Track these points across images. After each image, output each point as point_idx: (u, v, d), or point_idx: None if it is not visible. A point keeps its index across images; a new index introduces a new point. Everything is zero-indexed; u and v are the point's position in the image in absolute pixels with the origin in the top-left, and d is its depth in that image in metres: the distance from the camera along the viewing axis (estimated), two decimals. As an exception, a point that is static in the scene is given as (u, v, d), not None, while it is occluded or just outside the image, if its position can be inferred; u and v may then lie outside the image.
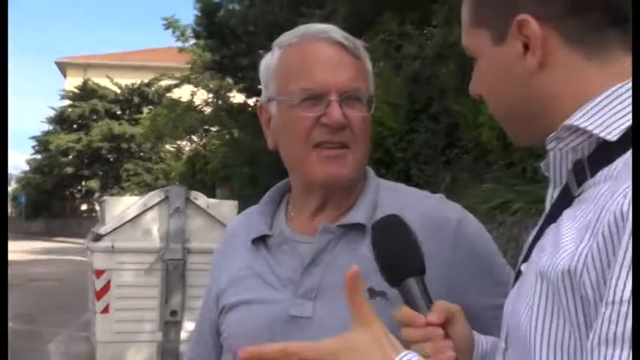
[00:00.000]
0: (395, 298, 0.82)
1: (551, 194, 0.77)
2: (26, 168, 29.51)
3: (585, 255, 0.60)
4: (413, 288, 0.79)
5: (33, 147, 26.60)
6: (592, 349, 0.58)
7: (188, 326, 5.94)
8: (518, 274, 0.75)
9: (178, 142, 14.30)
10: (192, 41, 11.83)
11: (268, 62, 1.05)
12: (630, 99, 0.66)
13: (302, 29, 1.05)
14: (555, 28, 0.69)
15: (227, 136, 12.74)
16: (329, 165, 0.97)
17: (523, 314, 0.67)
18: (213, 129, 13.10)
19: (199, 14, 10.60)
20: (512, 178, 5.11)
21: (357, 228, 0.99)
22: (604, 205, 0.60)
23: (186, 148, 14.02)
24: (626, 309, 0.55)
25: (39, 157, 26.11)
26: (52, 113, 25.35)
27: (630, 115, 0.65)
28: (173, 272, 5.97)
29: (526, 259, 0.74)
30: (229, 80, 11.97)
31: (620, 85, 0.67)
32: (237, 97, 12.67)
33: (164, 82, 20.23)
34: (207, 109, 12.77)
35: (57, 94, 27.56)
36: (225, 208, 6.34)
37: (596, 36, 0.69)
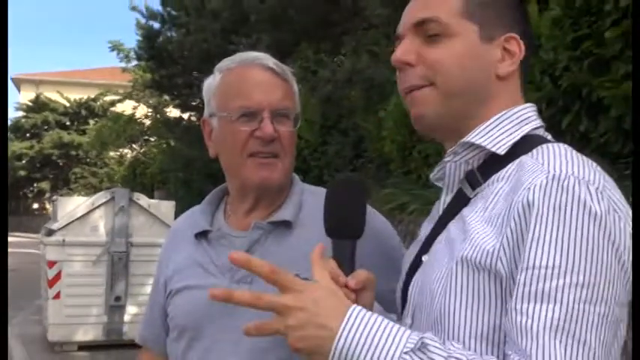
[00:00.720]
0: None
1: (444, 199, 0.85)
2: None
3: (500, 239, 0.70)
4: (346, 250, 0.81)
5: None
6: (511, 310, 0.67)
7: (130, 310, 6.54)
8: (419, 263, 0.83)
9: (121, 150, 15.17)
10: (135, 62, 12.44)
11: (210, 83, 1.13)
12: (514, 121, 0.80)
13: (239, 56, 1.13)
14: (523, 59, 0.82)
15: (164, 145, 13.55)
16: (262, 171, 1.05)
17: (437, 296, 0.75)
18: (152, 139, 13.91)
19: (141, 39, 11.25)
20: (409, 184, 5.57)
21: (285, 224, 1.07)
22: (512, 199, 0.70)
23: (128, 155, 14.74)
24: (538, 272, 0.65)
25: None
26: (8, 123, 26.18)
27: (513, 134, 0.79)
28: (117, 263, 6.45)
29: (425, 251, 0.83)
30: (166, 97, 12.84)
31: (506, 110, 0.80)
32: (173, 112, 13.47)
33: (108, 98, 21.91)
34: (147, 122, 13.46)
35: (12, 106, 29.16)
36: (164, 207, 6.81)
37: (524, 77, 0.85)
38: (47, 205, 24.83)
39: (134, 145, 13.98)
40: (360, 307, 0.71)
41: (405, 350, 0.66)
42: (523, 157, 0.75)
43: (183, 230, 1.17)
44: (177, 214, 6.76)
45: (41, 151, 25.57)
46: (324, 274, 0.75)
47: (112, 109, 20.36)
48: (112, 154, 17.74)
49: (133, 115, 14.14)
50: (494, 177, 0.76)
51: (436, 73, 0.79)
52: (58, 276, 6.32)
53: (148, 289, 5.00)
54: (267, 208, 1.10)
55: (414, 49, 0.80)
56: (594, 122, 2.96)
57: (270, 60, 1.09)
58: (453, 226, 0.78)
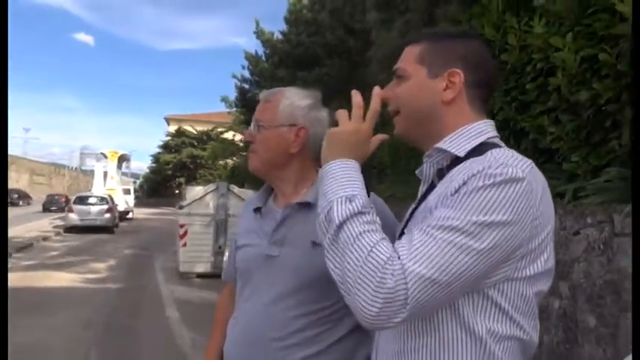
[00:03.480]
0: None
1: (422, 189, 1.06)
2: (147, 171, 50.81)
3: (436, 202, 0.90)
4: None
5: (151, 160, 47.64)
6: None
7: (227, 254, 7.89)
8: (402, 234, 0.96)
9: (226, 160, 22.13)
10: (234, 109, 18.32)
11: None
12: (473, 133, 0.98)
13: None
14: (466, 88, 0.99)
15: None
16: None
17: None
18: (243, 154, 19.91)
19: (238, 94, 17.14)
20: (399, 183, 5.76)
21: (307, 205, 1.28)
22: (452, 181, 0.90)
23: (230, 163, 20.96)
24: (440, 214, 0.85)
25: (154, 165, 46.70)
26: (161, 143, 44.50)
27: (472, 142, 0.97)
28: (220, 226, 9.02)
29: (406, 225, 1.01)
30: None
31: (467, 125, 0.99)
32: None
33: (219, 129, 32.67)
34: (241, 144, 19.58)
35: (164, 133, 45.60)
36: (247, 193, 8.93)
37: (479, 101, 1.01)
38: (183, 191, 36.76)
39: (234, 157, 20.56)
40: (351, 162, 0.95)
41: (339, 195, 0.90)
42: (475, 157, 0.92)
43: (248, 207, 1.45)
44: None
45: (180, 160, 41.00)
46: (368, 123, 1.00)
47: (221, 136, 29.30)
48: (220, 162, 25.10)
49: (232, 139, 20.93)
50: (451, 171, 0.94)
51: (398, 104, 1.02)
52: (185, 233, 9.06)
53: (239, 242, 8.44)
54: (298, 192, 1.34)
55: (392, 88, 1.04)
56: (518, 144, 3.25)
57: (269, 92, 1.39)
58: (421, 207, 0.97)
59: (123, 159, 30.40)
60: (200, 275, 9.10)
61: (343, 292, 0.86)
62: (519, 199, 0.85)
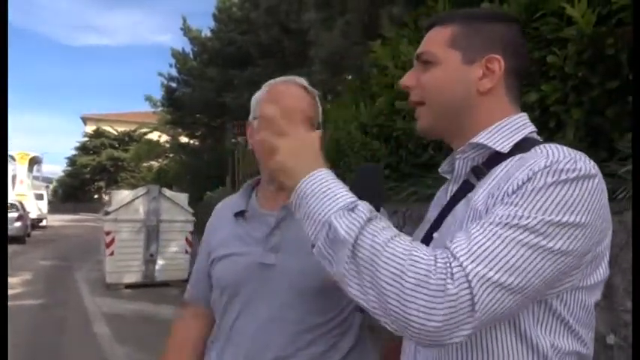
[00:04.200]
0: None
1: (451, 188, 0.94)
2: (62, 174, 47.67)
3: (493, 203, 0.78)
4: None
5: (66, 163, 44.44)
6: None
7: (159, 262, 8.70)
8: (430, 239, 0.89)
9: (151, 162, 22.10)
10: (160, 108, 18.18)
11: (258, 95, 1.27)
12: (514, 127, 0.88)
13: (282, 78, 1.28)
14: (505, 76, 0.89)
15: (177, 159, 19.29)
16: None
17: None
18: (170, 155, 20.44)
19: (164, 93, 16.83)
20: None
21: None
22: (509, 178, 0.79)
23: (155, 165, 20.97)
24: (503, 211, 0.74)
25: (70, 168, 43.26)
26: (78, 144, 41.61)
27: (515, 136, 0.87)
28: (151, 232, 8.59)
29: (436, 229, 0.90)
30: (179, 130, 18.76)
31: (508, 117, 0.89)
32: (183, 139, 19.53)
33: (143, 130, 31.37)
34: (167, 145, 20.01)
35: (80, 134, 42.71)
36: (180, 197, 9.12)
37: (516, 91, 0.92)
38: (104, 196, 37.31)
39: (159, 160, 20.82)
40: (325, 170, 0.80)
41: (335, 209, 0.75)
42: (523, 154, 0.83)
43: (224, 212, 1.31)
44: (189, 202, 9.29)
45: (100, 162, 38.71)
46: (310, 130, 0.89)
47: (145, 137, 28.82)
48: (144, 164, 24.96)
49: (158, 141, 21.11)
50: (495, 168, 0.85)
51: (423, 94, 0.92)
52: (112, 241, 8.47)
53: (172, 249, 8.84)
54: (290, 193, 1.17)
55: (414, 75, 0.93)
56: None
57: (303, 81, 1.26)
58: (460, 208, 0.86)
59: (34, 161, 28.34)
60: (129, 286, 8.65)
61: (384, 318, 0.72)
62: (593, 197, 0.77)
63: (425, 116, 0.94)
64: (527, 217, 0.73)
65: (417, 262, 0.70)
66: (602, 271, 0.84)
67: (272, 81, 1.30)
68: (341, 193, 0.78)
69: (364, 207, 0.76)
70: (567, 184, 0.75)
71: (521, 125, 0.90)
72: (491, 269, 0.70)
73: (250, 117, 1.30)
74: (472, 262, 0.70)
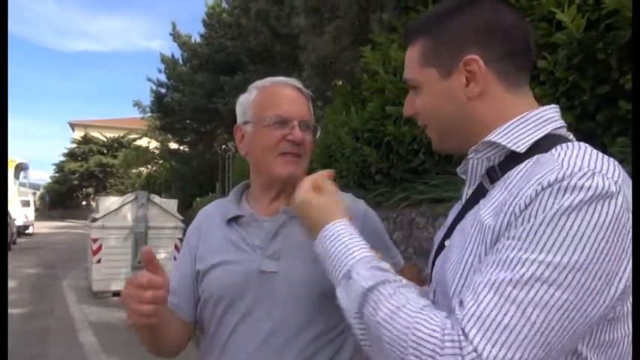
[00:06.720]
0: None
1: (467, 192, 0.88)
2: (49, 181, 46.08)
3: (496, 219, 0.72)
4: None
5: (54, 169, 43.38)
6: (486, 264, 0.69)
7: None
8: (443, 246, 0.86)
9: (140, 168, 22.02)
10: (149, 114, 18.09)
11: (247, 98, 1.24)
12: (535, 122, 0.80)
13: (271, 79, 1.24)
14: (493, 68, 0.81)
15: (167, 165, 19.31)
16: (289, 167, 1.17)
17: (451, 285, 0.76)
18: (160, 162, 20.41)
19: (153, 99, 16.73)
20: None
21: None
22: (518, 192, 0.70)
23: (144, 172, 20.90)
24: (513, 243, 0.67)
25: (57, 175, 42.20)
26: (65, 151, 40.67)
27: (534, 134, 0.79)
28: (139, 239, 8.35)
29: (448, 236, 0.86)
30: (169, 136, 18.61)
31: (528, 112, 0.80)
32: (173, 145, 19.45)
33: (132, 136, 31.57)
34: (156, 151, 19.89)
35: (68, 140, 42.13)
36: (170, 203, 8.98)
37: (517, 76, 0.82)
38: (92, 202, 37.16)
39: (148, 166, 20.84)
40: (340, 223, 0.87)
41: (339, 276, 0.80)
42: (541, 155, 0.75)
43: (213, 218, 1.27)
44: (178, 208, 9.16)
45: (88, 169, 38.12)
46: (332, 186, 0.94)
47: (134, 143, 28.96)
48: (133, 170, 24.90)
49: (147, 147, 21.00)
50: (511, 172, 0.77)
51: (423, 119, 0.90)
52: (99, 248, 8.32)
53: (160, 256, 8.20)
54: (287, 198, 1.19)
55: (411, 102, 0.91)
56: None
57: (297, 82, 1.24)
58: (469, 216, 0.82)
59: (20, 168, 27.88)
60: (117, 294, 8.39)
61: None
62: (615, 224, 0.67)
63: (432, 137, 0.92)
64: (536, 262, 0.66)
65: (421, 344, 0.68)
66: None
67: (260, 82, 1.26)
68: (359, 246, 0.84)
69: (359, 271, 0.79)
70: (582, 209, 0.66)
71: (543, 121, 0.81)
72: (508, 348, 0.64)
73: (239, 121, 1.26)
74: (487, 342, 0.64)
